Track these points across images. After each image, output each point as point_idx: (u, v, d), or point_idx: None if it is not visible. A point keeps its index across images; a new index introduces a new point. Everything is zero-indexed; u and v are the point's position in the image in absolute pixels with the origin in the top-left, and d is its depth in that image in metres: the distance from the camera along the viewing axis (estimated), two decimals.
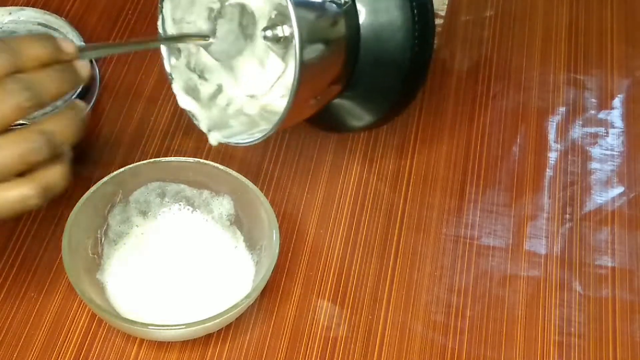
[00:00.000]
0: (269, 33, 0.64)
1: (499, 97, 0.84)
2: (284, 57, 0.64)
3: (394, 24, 0.64)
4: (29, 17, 0.83)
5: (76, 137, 0.54)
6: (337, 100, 0.69)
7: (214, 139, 0.67)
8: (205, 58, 0.68)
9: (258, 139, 0.64)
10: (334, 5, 0.63)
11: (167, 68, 0.69)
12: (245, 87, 0.67)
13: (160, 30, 0.67)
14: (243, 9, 0.65)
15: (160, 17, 0.67)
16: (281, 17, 0.64)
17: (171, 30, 0.67)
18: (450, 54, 0.88)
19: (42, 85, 0.50)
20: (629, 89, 0.86)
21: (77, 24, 0.84)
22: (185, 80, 0.69)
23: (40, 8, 0.84)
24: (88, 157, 0.77)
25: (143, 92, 0.82)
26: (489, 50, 0.88)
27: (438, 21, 0.87)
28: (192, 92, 0.69)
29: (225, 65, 0.68)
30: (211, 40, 0.65)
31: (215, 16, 0.66)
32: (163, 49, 0.68)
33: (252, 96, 0.67)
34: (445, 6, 0.82)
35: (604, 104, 0.84)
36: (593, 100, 0.85)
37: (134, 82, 0.83)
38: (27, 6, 0.85)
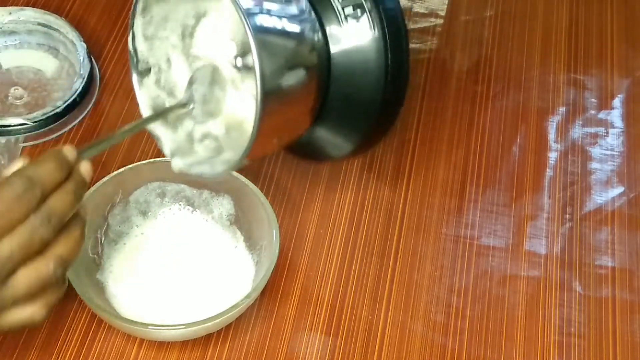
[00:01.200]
0: (239, 62, 0.62)
1: (499, 97, 0.84)
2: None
3: (366, 65, 0.62)
4: (29, 17, 0.83)
5: (79, 253, 0.55)
6: (309, 133, 0.67)
7: (176, 165, 0.64)
8: (175, 76, 0.67)
9: (220, 172, 0.62)
10: (301, 41, 0.61)
11: (136, 85, 0.67)
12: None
13: (130, 46, 0.65)
14: (214, 69, 0.64)
15: (130, 33, 0.65)
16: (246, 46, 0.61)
17: (141, 46, 0.65)
18: (450, 54, 0.88)
19: (61, 209, 0.52)
20: (629, 89, 0.86)
21: (77, 24, 0.84)
22: (153, 98, 0.67)
23: (40, 8, 0.84)
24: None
25: None
26: (489, 50, 0.88)
27: (438, 21, 0.87)
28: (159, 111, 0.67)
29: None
30: (192, 106, 0.64)
31: (190, 82, 0.64)
32: (133, 69, 0.66)
33: (217, 114, 0.65)
34: (445, 6, 0.83)
35: (604, 104, 0.84)
36: (593, 100, 0.85)
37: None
38: (27, 6, 0.85)
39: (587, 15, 0.91)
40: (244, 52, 0.62)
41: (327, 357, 0.67)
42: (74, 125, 0.79)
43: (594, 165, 0.80)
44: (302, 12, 0.62)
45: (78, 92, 0.79)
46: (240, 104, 0.63)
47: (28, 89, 0.81)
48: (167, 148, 0.65)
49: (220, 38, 0.64)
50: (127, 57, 0.84)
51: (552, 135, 0.81)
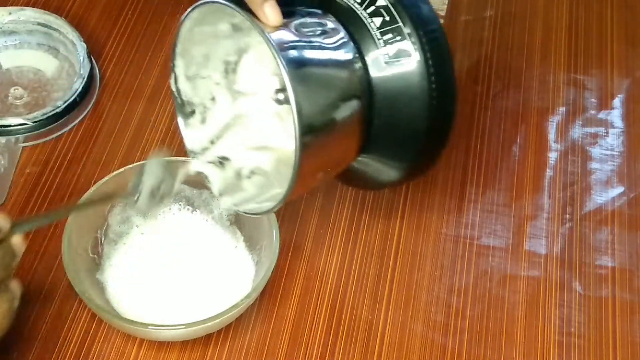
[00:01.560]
0: (281, 96, 0.61)
1: (499, 97, 0.84)
2: None
3: (409, 92, 0.59)
4: (29, 17, 0.83)
5: (9, 326, 0.53)
6: (355, 164, 0.64)
7: (225, 204, 0.64)
8: (220, 115, 0.65)
9: (267, 210, 0.60)
10: (341, 77, 0.58)
11: (181, 126, 0.65)
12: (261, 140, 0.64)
13: (173, 88, 0.64)
14: (164, 165, 0.63)
15: (172, 75, 0.63)
16: None
17: (184, 87, 0.64)
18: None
19: None
20: (629, 89, 0.86)
21: (77, 24, 0.84)
22: (198, 138, 0.65)
23: (40, 8, 0.84)
24: (88, 157, 0.77)
25: (143, 92, 0.82)
26: (489, 50, 0.88)
27: None
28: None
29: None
30: (136, 197, 0.63)
31: (139, 172, 0.63)
32: (178, 112, 0.64)
33: (266, 147, 0.64)
34: (445, 6, 0.82)
35: (604, 104, 0.84)
36: (593, 100, 0.85)
37: (134, 82, 0.83)
38: (27, 6, 0.85)
39: (587, 15, 0.91)
40: (284, 86, 0.58)
41: (327, 357, 0.67)
42: (74, 125, 0.79)
43: (594, 165, 0.80)
44: (339, 41, 0.59)
45: (78, 92, 0.79)
46: (287, 138, 0.61)
47: (28, 89, 0.81)
48: (215, 187, 0.64)
49: (263, 72, 0.62)
50: (127, 58, 0.85)
51: (552, 135, 0.81)
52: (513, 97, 0.84)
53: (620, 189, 0.78)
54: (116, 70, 0.84)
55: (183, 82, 0.64)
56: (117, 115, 0.81)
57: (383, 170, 0.64)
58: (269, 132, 0.63)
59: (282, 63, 0.54)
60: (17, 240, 0.53)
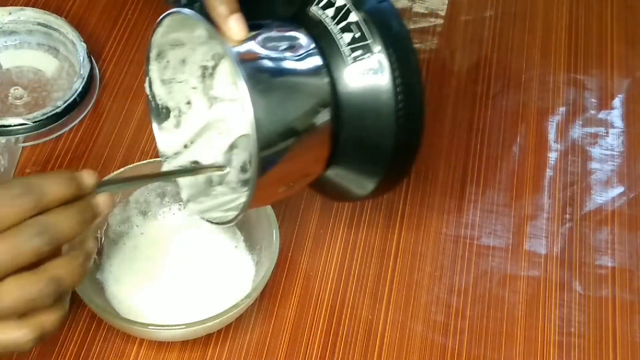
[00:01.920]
0: None
1: (499, 97, 0.84)
2: None
3: (376, 108, 0.58)
4: (29, 17, 0.83)
5: (80, 282, 0.52)
6: (326, 175, 0.64)
7: (190, 211, 0.63)
8: (195, 120, 0.64)
9: (230, 220, 0.60)
10: (309, 85, 0.57)
11: (155, 129, 0.65)
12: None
13: (147, 91, 0.64)
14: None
15: (147, 79, 0.63)
16: None
17: (159, 91, 0.64)
18: (450, 54, 0.88)
19: (60, 227, 0.49)
20: (629, 89, 0.86)
21: (77, 24, 0.84)
22: (172, 141, 0.65)
23: (40, 8, 0.84)
24: (88, 157, 0.77)
25: (143, 92, 0.82)
26: (489, 50, 0.88)
27: (438, 21, 0.87)
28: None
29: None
30: (227, 170, 0.62)
31: (231, 146, 0.63)
32: (151, 114, 0.64)
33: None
34: (445, 6, 0.82)
35: (604, 104, 0.84)
36: (593, 100, 0.85)
37: (134, 82, 0.83)
38: (27, 6, 0.85)
39: (587, 15, 0.91)
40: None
41: (327, 357, 0.67)
42: (74, 125, 0.79)
43: (594, 165, 0.80)
44: (306, 56, 0.58)
45: (78, 92, 0.79)
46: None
47: (28, 89, 0.81)
48: (184, 193, 0.64)
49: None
50: (127, 58, 0.85)
51: (552, 135, 0.81)
52: (513, 97, 0.84)
53: (620, 189, 0.78)
54: (116, 70, 0.84)
55: (158, 86, 0.64)
56: (117, 115, 0.81)
57: (351, 184, 0.64)
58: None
59: (241, 75, 0.53)
60: (102, 199, 0.52)
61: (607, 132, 0.82)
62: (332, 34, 0.59)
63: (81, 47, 0.81)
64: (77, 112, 0.79)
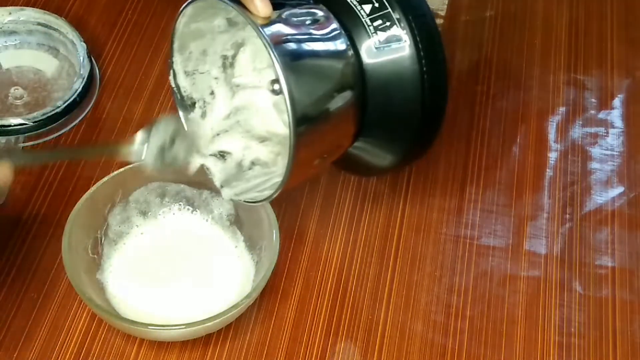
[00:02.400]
0: (277, 87, 0.61)
1: (499, 97, 0.84)
2: None
3: (401, 77, 0.60)
4: (29, 17, 0.83)
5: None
6: (352, 149, 0.65)
7: (226, 195, 0.64)
8: (219, 109, 0.66)
9: (267, 197, 0.61)
10: (333, 63, 0.59)
11: (183, 121, 0.66)
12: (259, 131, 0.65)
13: (172, 84, 0.65)
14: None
15: (171, 72, 0.64)
16: None
17: (184, 82, 0.65)
18: (450, 54, 0.87)
19: None
20: (629, 89, 0.86)
21: (77, 24, 0.84)
22: (198, 132, 0.66)
23: (40, 8, 0.84)
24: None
25: (143, 92, 0.82)
26: (489, 50, 0.88)
27: (438, 21, 0.87)
28: None
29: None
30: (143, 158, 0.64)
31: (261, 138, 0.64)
32: (178, 106, 0.65)
33: (265, 139, 0.65)
34: (445, 6, 0.82)
35: (604, 104, 0.84)
36: (593, 100, 0.85)
37: (134, 82, 0.83)
38: (27, 6, 0.85)
39: (587, 15, 0.91)
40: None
41: (327, 357, 0.67)
42: (74, 125, 0.79)
43: (594, 165, 0.80)
44: (330, 30, 0.60)
45: (78, 92, 0.79)
46: (286, 129, 0.62)
47: (28, 89, 0.81)
48: (217, 179, 0.65)
49: (260, 65, 0.64)
50: (127, 58, 0.85)
51: (552, 135, 0.81)
52: (513, 97, 0.84)
53: (620, 189, 0.78)
54: (116, 70, 0.84)
55: (182, 78, 0.65)
56: (117, 115, 0.81)
57: (381, 154, 0.65)
58: (267, 123, 0.64)
59: (274, 55, 0.55)
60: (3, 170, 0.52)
61: (607, 132, 0.82)
62: (352, 6, 0.61)
63: (81, 47, 0.81)
64: (77, 112, 0.79)
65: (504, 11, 0.92)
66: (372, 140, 0.64)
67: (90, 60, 0.81)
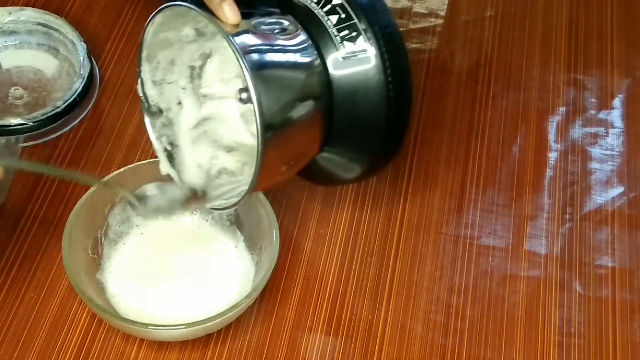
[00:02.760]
0: (244, 95, 0.62)
1: (499, 97, 0.84)
2: None
3: (367, 86, 0.61)
4: (29, 17, 0.83)
5: None
6: (318, 159, 0.66)
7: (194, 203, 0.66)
8: (186, 119, 0.67)
9: (234, 204, 0.62)
10: (300, 72, 0.60)
11: (148, 127, 0.67)
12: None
13: (140, 93, 0.66)
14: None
15: (139, 80, 0.65)
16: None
17: (151, 92, 0.66)
18: (450, 54, 0.88)
19: None
20: (629, 89, 0.86)
21: (77, 24, 0.84)
22: (164, 137, 0.67)
23: (40, 8, 0.84)
24: (88, 157, 0.77)
25: None
26: (489, 50, 0.88)
27: (438, 21, 0.87)
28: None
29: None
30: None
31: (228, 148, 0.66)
32: (145, 113, 0.66)
33: (232, 148, 0.66)
34: (445, 6, 0.83)
35: (604, 104, 0.84)
36: (593, 100, 0.85)
37: (134, 82, 0.82)
38: (27, 6, 0.85)
39: (587, 15, 0.91)
40: (247, 85, 0.61)
41: (327, 357, 0.67)
42: (74, 125, 0.79)
43: (594, 165, 0.80)
44: (297, 40, 0.61)
45: (78, 92, 0.79)
46: (252, 138, 0.64)
47: (28, 89, 0.81)
48: (184, 188, 0.66)
49: (227, 76, 0.65)
50: (127, 58, 0.85)
51: (552, 135, 0.81)
52: (513, 97, 0.84)
53: (620, 189, 0.78)
54: (116, 70, 0.84)
55: (150, 87, 0.65)
56: (117, 115, 0.81)
57: (346, 164, 0.66)
58: (235, 134, 0.65)
59: (243, 63, 0.56)
60: None
61: (607, 132, 0.82)
62: (319, 17, 0.62)
63: (81, 47, 0.81)
64: (77, 112, 0.79)
65: (504, 11, 0.92)
66: (339, 149, 0.65)
67: (90, 60, 0.81)
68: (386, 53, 0.61)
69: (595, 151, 0.80)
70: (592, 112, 0.84)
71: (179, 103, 0.66)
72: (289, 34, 0.61)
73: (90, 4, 0.89)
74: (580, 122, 0.83)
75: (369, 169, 0.66)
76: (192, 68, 0.65)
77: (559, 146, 0.81)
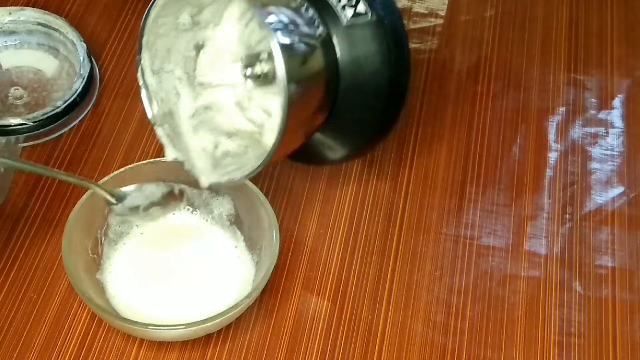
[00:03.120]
0: (248, 71, 0.64)
1: (499, 97, 0.84)
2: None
3: (370, 54, 0.65)
4: (29, 17, 0.83)
5: None
6: (318, 134, 0.69)
7: (205, 183, 0.66)
8: (184, 109, 0.68)
9: (252, 172, 0.63)
10: (310, 39, 0.63)
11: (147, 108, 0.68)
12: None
13: (140, 82, 0.67)
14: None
15: (139, 68, 0.66)
16: (252, 58, 0.64)
17: (151, 80, 0.67)
18: (450, 54, 0.88)
19: None
20: (629, 89, 0.86)
21: (77, 24, 0.84)
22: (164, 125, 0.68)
23: (40, 8, 0.84)
24: (88, 157, 0.77)
25: None
26: (489, 50, 0.88)
27: (438, 21, 0.87)
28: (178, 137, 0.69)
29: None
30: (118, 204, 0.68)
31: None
32: (144, 96, 0.67)
33: (232, 134, 0.67)
34: (445, 6, 0.83)
35: (604, 104, 0.84)
36: (593, 100, 0.85)
37: (134, 82, 0.82)
38: (27, 6, 0.85)
39: (587, 15, 0.91)
40: (249, 63, 0.64)
41: (327, 357, 0.67)
42: (74, 125, 0.79)
43: (594, 165, 0.80)
44: (304, 11, 0.63)
45: (78, 92, 0.79)
46: (248, 123, 0.65)
47: (28, 89, 0.81)
48: (197, 169, 0.67)
49: (222, 64, 0.66)
50: (127, 58, 0.85)
51: (552, 135, 0.81)
52: (513, 97, 0.84)
53: (620, 189, 0.78)
54: (116, 70, 0.84)
55: (149, 76, 0.67)
56: (117, 115, 0.81)
57: (351, 133, 0.69)
58: (232, 121, 0.66)
59: (263, 20, 0.59)
60: None
61: (607, 132, 0.82)
62: None
63: (81, 47, 0.81)
64: (77, 112, 0.79)
65: (504, 11, 0.92)
66: (344, 118, 0.67)
67: (90, 60, 0.81)
68: (385, 17, 0.65)
69: (595, 151, 0.80)
70: (592, 112, 0.84)
71: (177, 93, 0.67)
72: (295, 7, 0.63)
73: (90, 4, 0.89)
74: (580, 122, 0.83)
75: (372, 136, 0.69)
76: (187, 59, 0.67)
77: (559, 146, 0.81)
